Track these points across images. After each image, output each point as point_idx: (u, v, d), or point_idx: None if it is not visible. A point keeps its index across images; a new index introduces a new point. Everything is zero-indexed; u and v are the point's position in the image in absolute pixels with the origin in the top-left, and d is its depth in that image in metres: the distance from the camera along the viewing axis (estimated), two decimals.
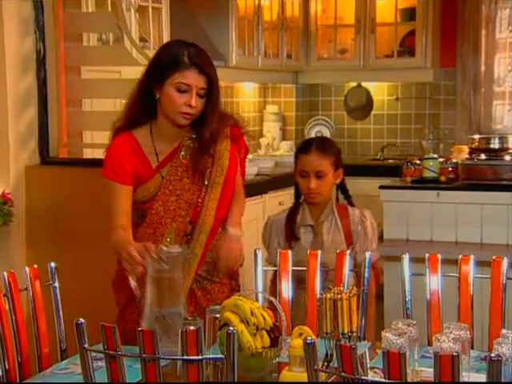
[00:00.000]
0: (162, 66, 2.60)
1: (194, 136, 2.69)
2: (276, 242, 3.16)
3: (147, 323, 2.28)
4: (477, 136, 4.77)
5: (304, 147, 3.18)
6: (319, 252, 2.73)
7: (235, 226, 2.73)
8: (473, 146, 4.55)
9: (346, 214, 3.16)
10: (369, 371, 2.05)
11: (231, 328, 1.74)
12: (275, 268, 2.75)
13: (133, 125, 2.69)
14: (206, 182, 2.69)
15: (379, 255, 3.23)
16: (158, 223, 2.67)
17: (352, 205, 3.26)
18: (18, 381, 2.32)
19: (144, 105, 2.66)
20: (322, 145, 3.16)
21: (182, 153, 2.69)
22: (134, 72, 3.84)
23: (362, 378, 1.60)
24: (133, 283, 2.45)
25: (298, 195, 3.22)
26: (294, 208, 3.21)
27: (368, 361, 2.32)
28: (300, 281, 2.76)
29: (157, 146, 2.68)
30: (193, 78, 2.57)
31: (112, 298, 2.85)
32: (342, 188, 3.28)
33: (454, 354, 1.53)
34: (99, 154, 3.88)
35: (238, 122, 2.77)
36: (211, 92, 2.62)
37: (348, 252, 2.72)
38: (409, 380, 1.79)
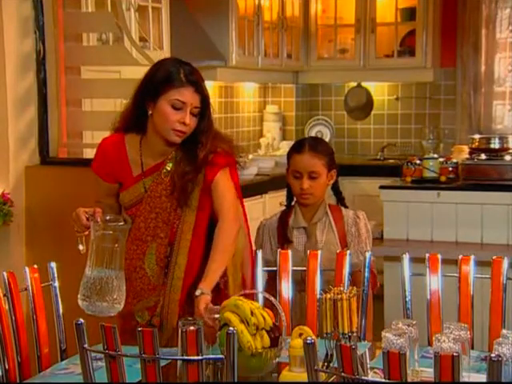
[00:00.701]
0: (157, 81, 2.59)
1: (176, 157, 2.66)
2: (269, 247, 3.12)
3: (83, 281, 2.37)
4: (477, 136, 4.77)
5: (297, 147, 3.13)
6: (319, 252, 2.73)
7: (205, 278, 2.54)
8: (473, 145, 4.55)
9: (340, 216, 3.12)
10: (369, 371, 2.05)
11: (231, 328, 1.74)
12: (275, 268, 2.75)
13: (127, 130, 2.71)
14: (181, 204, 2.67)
15: (373, 257, 3.17)
16: (139, 240, 2.68)
17: (345, 206, 3.23)
18: (18, 381, 2.32)
19: (136, 118, 2.67)
20: (315, 145, 3.12)
21: (164, 170, 2.67)
22: (134, 72, 3.84)
23: (362, 378, 1.60)
24: (80, 244, 2.55)
25: (290, 197, 3.19)
26: (286, 211, 3.18)
27: (368, 361, 2.32)
28: (297, 283, 2.75)
29: (143, 156, 2.69)
30: (188, 96, 2.57)
31: None
32: (335, 189, 3.24)
33: (454, 354, 1.53)
34: None
35: (228, 149, 2.70)
36: (205, 111, 2.62)
37: (348, 252, 2.72)
38: (409, 380, 1.79)
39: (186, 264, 2.68)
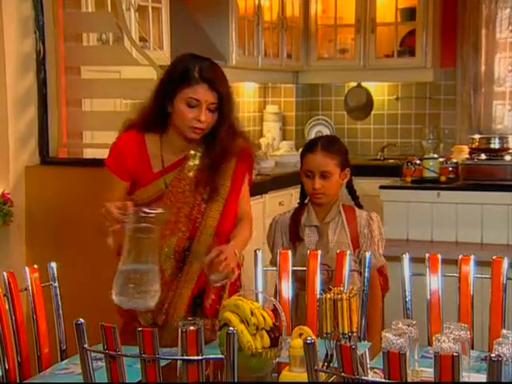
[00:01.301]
0: (173, 80, 2.61)
1: (200, 150, 2.68)
2: (280, 243, 3.11)
3: (118, 276, 2.32)
4: (477, 136, 4.77)
5: (309, 146, 3.11)
6: (319, 252, 2.73)
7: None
8: (473, 145, 4.55)
9: (353, 216, 3.08)
10: (369, 371, 2.05)
11: (231, 328, 1.74)
12: (275, 268, 2.75)
13: (146, 129, 2.69)
14: (206, 198, 2.68)
15: (385, 260, 3.15)
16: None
17: (359, 206, 3.19)
18: (18, 381, 2.32)
19: (156, 117, 2.66)
20: (328, 144, 3.08)
21: (188, 165, 2.69)
22: (134, 72, 3.86)
23: (362, 378, 1.60)
24: (109, 238, 2.47)
25: (303, 195, 3.17)
26: (299, 208, 3.16)
27: (368, 361, 2.32)
28: (303, 282, 2.75)
29: (164, 152, 2.68)
30: (202, 94, 2.57)
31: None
32: (349, 188, 3.21)
33: (454, 354, 1.53)
34: (99, 153, 3.89)
35: (249, 143, 2.76)
36: (222, 107, 2.61)
37: (348, 252, 2.71)
38: (409, 380, 1.79)
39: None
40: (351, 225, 3.06)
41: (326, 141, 3.14)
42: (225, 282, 2.60)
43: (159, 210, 2.36)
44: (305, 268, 2.72)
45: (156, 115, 2.66)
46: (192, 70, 2.58)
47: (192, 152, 2.68)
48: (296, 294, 2.85)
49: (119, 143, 2.71)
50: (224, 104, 2.61)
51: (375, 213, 3.14)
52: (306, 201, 3.16)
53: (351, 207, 3.15)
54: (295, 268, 2.77)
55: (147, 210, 2.34)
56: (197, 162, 2.68)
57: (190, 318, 2.21)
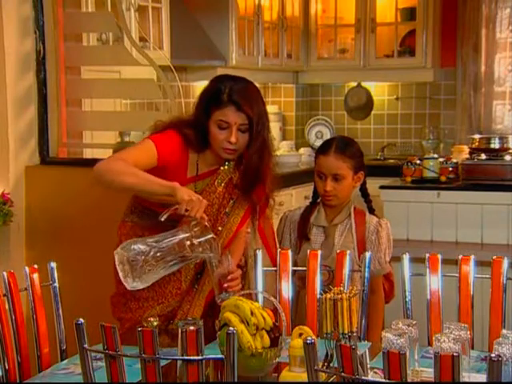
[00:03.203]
0: (206, 102, 2.66)
1: (232, 165, 2.73)
2: (288, 239, 3.11)
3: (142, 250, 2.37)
4: (477, 136, 4.77)
5: (323, 148, 3.06)
6: (319, 252, 2.73)
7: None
8: (473, 145, 4.55)
9: (363, 221, 3.06)
10: (369, 371, 2.05)
11: (231, 328, 1.74)
12: (275, 269, 2.75)
13: (186, 141, 2.71)
14: (228, 211, 2.74)
15: (391, 267, 3.12)
16: None
17: (372, 209, 3.17)
18: (18, 381, 2.32)
19: (195, 135, 2.69)
20: (342, 146, 3.02)
21: (218, 180, 2.73)
22: (134, 72, 3.86)
23: (362, 378, 1.60)
24: (165, 213, 2.46)
25: (315, 195, 3.15)
26: (310, 207, 3.14)
27: (368, 361, 2.32)
28: (305, 281, 2.74)
29: (200, 163, 2.72)
30: (231, 116, 2.60)
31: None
32: (362, 192, 3.19)
33: (454, 354, 1.53)
34: (99, 153, 3.89)
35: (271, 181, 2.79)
36: (252, 128, 2.64)
37: (348, 252, 2.71)
38: (409, 380, 1.79)
39: None
40: (359, 229, 3.04)
41: (341, 143, 3.06)
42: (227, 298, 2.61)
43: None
44: (305, 268, 2.72)
45: (196, 135, 2.68)
46: (222, 92, 2.61)
47: (222, 168, 2.73)
48: (297, 292, 2.85)
49: (172, 137, 2.67)
50: (254, 125, 2.63)
51: (386, 220, 3.11)
52: (318, 200, 3.14)
53: (362, 211, 3.12)
54: (295, 268, 2.77)
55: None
56: (226, 176, 2.72)
57: (189, 318, 2.22)
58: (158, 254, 2.39)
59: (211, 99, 2.63)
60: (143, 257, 2.36)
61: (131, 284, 2.39)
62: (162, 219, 2.44)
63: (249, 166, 2.68)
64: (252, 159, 2.67)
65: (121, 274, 2.39)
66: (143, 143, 2.67)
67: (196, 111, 2.71)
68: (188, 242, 2.42)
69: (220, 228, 2.73)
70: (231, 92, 2.61)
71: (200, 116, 2.67)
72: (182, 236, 2.43)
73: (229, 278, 2.55)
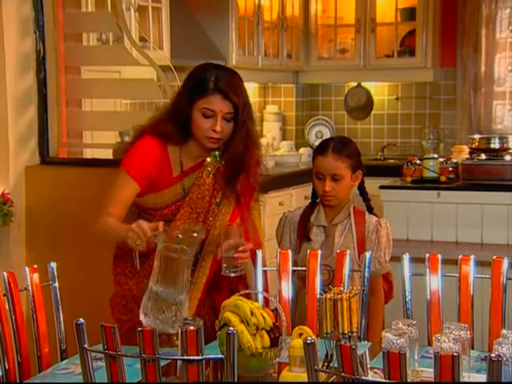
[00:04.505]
0: (190, 90, 2.62)
1: (217, 156, 2.70)
2: (288, 240, 3.11)
3: (147, 296, 2.31)
4: (477, 136, 4.77)
5: (320, 148, 3.06)
6: (319, 252, 2.73)
7: None
8: (473, 145, 4.55)
9: (362, 221, 3.06)
10: (369, 371, 2.05)
11: (231, 328, 1.74)
12: (274, 269, 2.74)
13: (166, 139, 2.68)
14: (218, 201, 2.71)
15: (391, 267, 3.11)
16: None
17: (370, 208, 3.17)
18: (18, 381, 2.32)
19: (177, 128, 2.65)
20: (339, 146, 3.02)
21: (206, 171, 2.71)
22: (134, 72, 3.86)
23: (362, 378, 1.60)
24: (135, 258, 2.47)
25: (314, 195, 3.15)
26: (310, 207, 3.14)
27: (368, 361, 2.32)
28: (305, 280, 2.74)
29: (183, 159, 2.69)
30: (217, 104, 2.58)
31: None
32: (360, 190, 3.19)
33: (454, 354, 1.53)
34: (99, 153, 3.89)
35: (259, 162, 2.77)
36: (237, 117, 2.62)
37: (348, 252, 2.71)
38: (409, 380, 1.79)
39: (211, 261, 2.71)
40: (359, 229, 3.04)
41: (338, 143, 3.06)
42: (238, 275, 2.61)
43: (194, 234, 2.35)
44: (305, 268, 2.72)
45: (176, 127, 2.65)
46: (207, 79, 2.59)
47: (208, 159, 2.70)
48: (296, 292, 2.85)
49: (143, 148, 2.66)
50: (239, 113, 2.62)
51: (385, 219, 3.11)
52: (318, 200, 3.14)
53: (362, 211, 3.12)
54: (295, 268, 2.77)
55: (183, 230, 2.34)
56: (213, 167, 2.70)
57: (189, 318, 2.21)
58: (179, 298, 2.34)
59: (196, 87, 2.60)
60: (172, 317, 2.32)
61: None
62: (137, 268, 2.49)
63: (234, 154, 2.66)
64: (237, 148, 2.65)
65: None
66: (119, 178, 2.64)
67: (177, 100, 2.67)
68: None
69: (211, 219, 2.70)
70: (217, 80, 2.59)
71: (182, 105, 2.63)
72: (185, 270, 2.37)
73: (240, 249, 2.54)
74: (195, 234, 2.36)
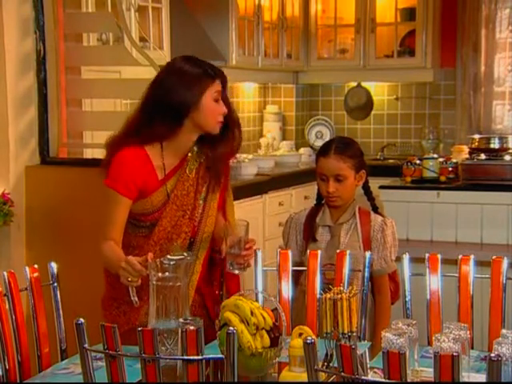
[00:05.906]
0: (196, 81, 2.60)
1: (194, 148, 2.69)
2: (294, 241, 3.11)
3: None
4: (477, 136, 4.78)
5: (323, 150, 3.06)
6: (319, 252, 2.73)
7: None
8: (473, 145, 4.56)
9: (368, 220, 3.06)
10: (369, 371, 2.05)
11: (231, 328, 1.74)
12: (274, 269, 2.75)
13: (144, 142, 2.64)
14: (204, 196, 2.70)
15: (396, 266, 3.09)
16: (165, 239, 2.65)
17: (375, 207, 3.17)
18: (18, 381, 2.32)
19: (163, 124, 2.61)
20: (341, 147, 3.03)
21: (189, 167, 2.69)
22: (134, 72, 3.86)
23: (362, 378, 1.60)
24: (133, 296, 2.44)
25: (319, 196, 3.15)
26: (316, 208, 3.14)
27: (368, 361, 2.32)
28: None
29: (165, 159, 2.66)
30: (219, 86, 2.63)
31: None
32: (365, 190, 3.18)
33: (454, 354, 1.53)
34: (99, 153, 3.88)
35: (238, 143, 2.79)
36: (223, 93, 2.67)
37: (348, 252, 2.71)
38: (409, 380, 1.79)
39: (204, 258, 2.71)
40: (364, 228, 3.04)
41: (340, 143, 3.06)
42: (242, 272, 2.62)
43: (181, 256, 2.31)
44: (305, 268, 2.72)
45: (163, 123, 2.61)
46: (207, 68, 2.63)
47: (190, 154, 2.68)
48: (303, 293, 2.85)
49: (120, 163, 2.61)
50: (226, 88, 2.68)
51: (391, 219, 3.11)
52: (323, 201, 3.13)
53: (367, 211, 3.12)
54: (295, 268, 2.77)
55: (170, 258, 2.28)
56: (196, 162, 2.69)
57: (189, 318, 2.21)
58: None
59: (203, 77, 2.60)
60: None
61: None
62: (137, 304, 2.47)
63: (232, 122, 2.69)
64: (232, 115, 2.69)
65: None
66: (109, 197, 2.61)
67: (170, 96, 2.60)
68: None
69: (197, 215, 2.69)
70: (211, 66, 2.64)
71: (183, 98, 2.58)
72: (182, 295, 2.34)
73: (247, 246, 2.55)
74: (182, 256, 2.31)
